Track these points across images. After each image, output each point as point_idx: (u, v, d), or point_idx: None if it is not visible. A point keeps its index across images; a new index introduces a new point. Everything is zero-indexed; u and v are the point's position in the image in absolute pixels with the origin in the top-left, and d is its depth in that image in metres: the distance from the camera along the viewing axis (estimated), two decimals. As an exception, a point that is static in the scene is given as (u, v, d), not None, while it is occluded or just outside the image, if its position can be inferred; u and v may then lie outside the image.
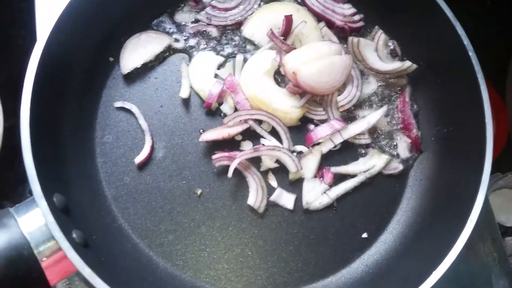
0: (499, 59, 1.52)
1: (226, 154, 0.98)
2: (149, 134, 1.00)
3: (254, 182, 0.99)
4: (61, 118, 0.94)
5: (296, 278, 0.96)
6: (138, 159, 0.98)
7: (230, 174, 0.96)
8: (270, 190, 1.00)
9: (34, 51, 0.86)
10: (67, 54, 0.93)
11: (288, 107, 1.02)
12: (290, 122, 1.03)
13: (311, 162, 1.02)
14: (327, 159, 1.03)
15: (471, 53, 0.95)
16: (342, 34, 1.12)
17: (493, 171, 1.43)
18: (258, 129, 1.01)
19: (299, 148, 1.02)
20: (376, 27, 1.12)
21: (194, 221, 0.97)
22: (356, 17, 1.12)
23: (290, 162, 1.00)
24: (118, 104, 1.02)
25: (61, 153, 0.92)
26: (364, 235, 1.00)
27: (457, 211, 0.91)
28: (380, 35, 1.11)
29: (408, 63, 1.07)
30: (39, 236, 0.78)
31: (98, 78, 1.03)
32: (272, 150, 0.99)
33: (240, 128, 1.00)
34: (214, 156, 0.98)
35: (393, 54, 1.12)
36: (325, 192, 1.00)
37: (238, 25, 1.10)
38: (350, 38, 1.10)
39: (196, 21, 1.10)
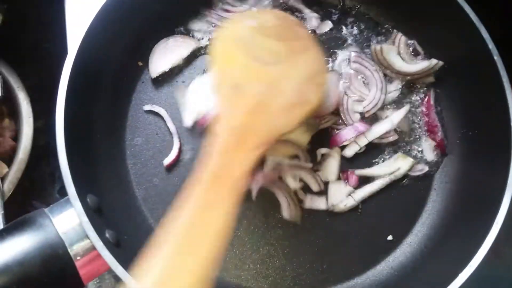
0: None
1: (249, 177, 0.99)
2: (177, 137, 1.02)
3: (283, 196, 1.00)
4: (93, 122, 0.97)
5: (321, 279, 0.97)
6: (167, 160, 1.01)
7: (253, 196, 0.98)
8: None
9: (67, 59, 0.88)
10: (99, 60, 0.96)
11: (297, 136, 1.02)
12: (304, 144, 1.03)
13: (332, 165, 1.03)
14: (352, 162, 1.04)
15: (496, 57, 0.95)
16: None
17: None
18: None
19: (323, 150, 1.03)
20: (395, 30, 1.12)
21: (221, 222, 0.99)
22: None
23: (312, 181, 1.01)
24: (147, 107, 1.04)
25: (94, 156, 0.95)
26: (389, 237, 1.01)
27: (482, 214, 0.91)
28: (400, 38, 1.11)
29: (434, 61, 1.07)
30: (73, 236, 0.81)
31: (128, 82, 1.06)
32: (294, 169, 1.00)
33: None
34: None
35: (415, 54, 1.11)
36: (350, 195, 1.01)
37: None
38: (372, 47, 1.10)
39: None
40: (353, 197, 1.01)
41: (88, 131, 0.95)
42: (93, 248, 0.81)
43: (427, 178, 1.05)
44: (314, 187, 1.01)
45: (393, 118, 1.05)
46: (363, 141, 1.04)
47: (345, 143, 1.03)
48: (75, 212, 0.81)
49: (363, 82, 1.08)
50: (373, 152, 1.05)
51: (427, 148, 1.06)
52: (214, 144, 0.75)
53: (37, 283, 0.79)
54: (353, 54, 1.10)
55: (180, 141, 1.02)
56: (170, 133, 1.03)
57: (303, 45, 0.91)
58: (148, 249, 0.66)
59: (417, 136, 1.07)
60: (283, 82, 0.84)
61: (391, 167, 1.03)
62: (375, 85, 1.07)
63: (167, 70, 1.07)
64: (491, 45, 0.96)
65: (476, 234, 0.88)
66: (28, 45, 1.34)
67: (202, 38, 1.10)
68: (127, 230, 0.91)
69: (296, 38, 0.92)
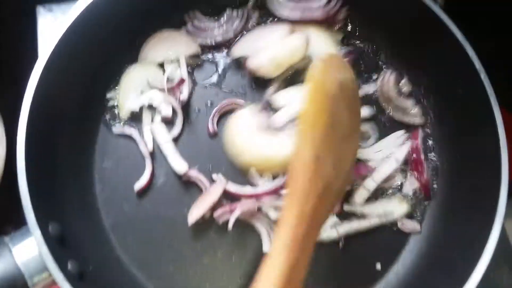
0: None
1: (227, 208, 0.93)
2: (150, 160, 0.97)
3: (263, 228, 0.94)
4: (59, 143, 0.91)
5: (303, 311, 0.92)
6: (138, 185, 0.95)
7: (230, 226, 0.92)
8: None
9: (31, 77, 0.84)
10: (66, 80, 0.91)
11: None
12: None
13: None
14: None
15: (483, 75, 0.91)
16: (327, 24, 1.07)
17: (508, 197, 1.39)
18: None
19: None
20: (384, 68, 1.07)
21: (195, 251, 0.93)
22: (332, 2, 1.06)
23: None
24: (117, 130, 0.99)
25: (58, 180, 0.89)
26: (378, 266, 0.95)
27: (472, 241, 0.86)
28: (389, 77, 1.06)
29: (418, 120, 1.04)
30: (33, 267, 0.76)
31: (98, 103, 1.01)
32: (275, 200, 0.94)
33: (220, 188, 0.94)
34: (215, 214, 0.93)
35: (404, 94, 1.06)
36: (334, 226, 0.95)
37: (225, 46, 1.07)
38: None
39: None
40: (337, 229, 0.94)
41: (53, 153, 0.90)
42: (53, 281, 0.76)
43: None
44: None
45: (398, 156, 0.99)
46: (371, 185, 0.97)
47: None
48: (35, 241, 0.76)
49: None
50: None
51: (408, 184, 1.00)
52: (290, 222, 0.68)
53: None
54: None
55: (152, 164, 0.97)
56: (142, 157, 0.97)
57: (359, 122, 0.88)
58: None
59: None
60: (345, 160, 0.79)
61: (384, 208, 0.97)
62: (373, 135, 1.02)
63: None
64: (478, 65, 0.92)
65: (467, 262, 0.83)
66: (2, 64, 1.29)
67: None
68: (92, 261, 0.85)
69: (357, 112, 0.88)
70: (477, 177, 0.94)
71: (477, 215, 0.90)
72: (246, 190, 0.95)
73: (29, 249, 0.77)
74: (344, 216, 0.97)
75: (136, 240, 0.93)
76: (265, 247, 0.93)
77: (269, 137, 0.96)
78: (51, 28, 1.06)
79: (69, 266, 0.79)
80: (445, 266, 0.91)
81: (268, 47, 1.00)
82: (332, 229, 0.95)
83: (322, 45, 1.04)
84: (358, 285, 0.94)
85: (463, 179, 0.97)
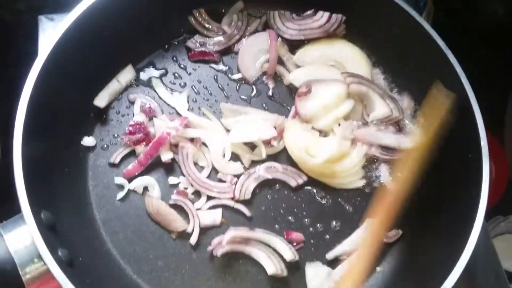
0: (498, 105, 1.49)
1: (219, 240, 0.93)
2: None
3: (261, 252, 0.93)
4: (56, 138, 0.93)
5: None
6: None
7: (218, 254, 0.92)
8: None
9: (31, 72, 0.87)
10: (63, 78, 0.93)
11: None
12: None
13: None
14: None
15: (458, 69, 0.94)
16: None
17: (494, 214, 1.40)
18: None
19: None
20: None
21: (185, 247, 0.94)
22: (333, 19, 1.10)
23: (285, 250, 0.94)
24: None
25: (53, 173, 0.91)
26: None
27: (456, 236, 0.87)
28: None
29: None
30: (24, 254, 0.77)
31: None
32: (267, 234, 0.95)
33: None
34: (209, 248, 0.93)
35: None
36: (329, 276, 0.94)
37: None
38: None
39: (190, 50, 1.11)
40: (333, 278, 0.93)
41: (49, 148, 0.91)
42: (43, 267, 0.76)
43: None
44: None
45: None
46: None
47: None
48: (27, 229, 0.77)
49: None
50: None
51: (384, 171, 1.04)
52: None
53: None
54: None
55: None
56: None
57: None
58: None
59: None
60: None
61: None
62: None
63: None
64: (452, 58, 0.95)
65: (450, 256, 0.84)
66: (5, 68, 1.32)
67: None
68: (82, 252, 0.86)
69: None
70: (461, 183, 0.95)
71: (461, 213, 0.90)
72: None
73: (21, 237, 0.78)
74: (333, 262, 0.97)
75: (126, 236, 0.94)
76: (269, 270, 0.91)
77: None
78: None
79: (59, 253, 0.80)
80: (429, 262, 0.92)
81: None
82: (330, 280, 0.93)
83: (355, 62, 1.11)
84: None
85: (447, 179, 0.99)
